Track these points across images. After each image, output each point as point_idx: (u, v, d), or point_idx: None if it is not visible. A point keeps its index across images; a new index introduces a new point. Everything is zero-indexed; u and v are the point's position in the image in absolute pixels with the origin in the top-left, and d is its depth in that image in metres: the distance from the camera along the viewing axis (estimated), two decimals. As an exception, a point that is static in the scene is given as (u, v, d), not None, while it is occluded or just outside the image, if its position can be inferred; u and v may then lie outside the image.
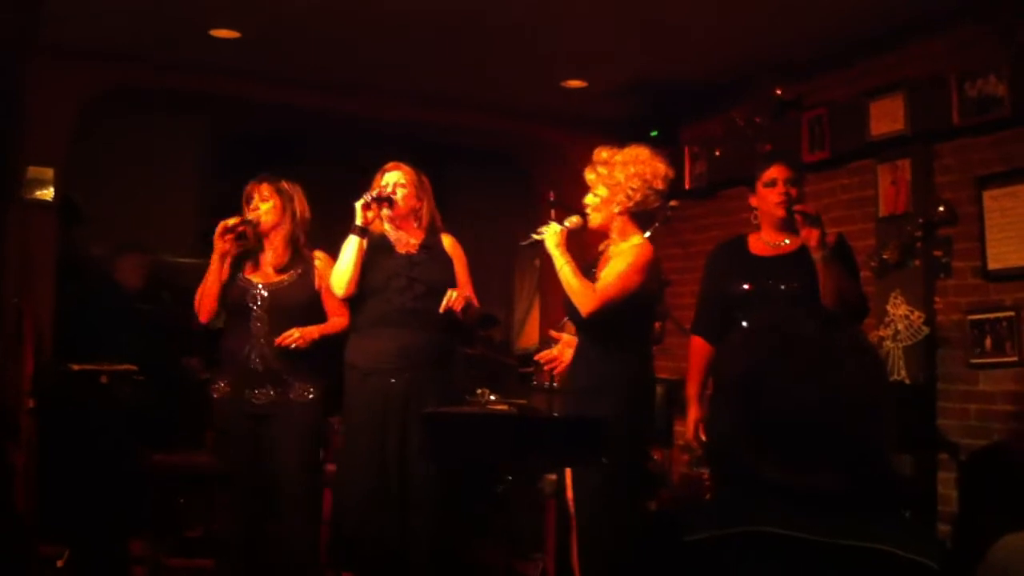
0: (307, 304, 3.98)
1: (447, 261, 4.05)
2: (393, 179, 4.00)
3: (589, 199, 3.55)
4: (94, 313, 5.43)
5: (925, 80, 4.81)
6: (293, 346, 3.84)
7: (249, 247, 4.01)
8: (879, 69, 5.08)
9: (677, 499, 5.07)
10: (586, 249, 3.87)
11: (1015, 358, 4.44)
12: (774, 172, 3.63)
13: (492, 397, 4.72)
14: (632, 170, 3.47)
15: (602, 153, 3.53)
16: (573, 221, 3.58)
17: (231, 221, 3.93)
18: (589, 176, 3.54)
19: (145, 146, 6.99)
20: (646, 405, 3.54)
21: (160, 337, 5.61)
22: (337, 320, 4.00)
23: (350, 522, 3.96)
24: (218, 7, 4.92)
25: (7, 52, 5.23)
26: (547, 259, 3.53)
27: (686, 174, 6.21)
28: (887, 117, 4.97)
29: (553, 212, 4.15)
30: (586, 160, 3.60)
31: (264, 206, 3.97)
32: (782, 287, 3.54)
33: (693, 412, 3.71)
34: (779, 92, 5.55)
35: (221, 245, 3.92)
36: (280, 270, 4.00)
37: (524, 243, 3.63)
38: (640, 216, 3.53)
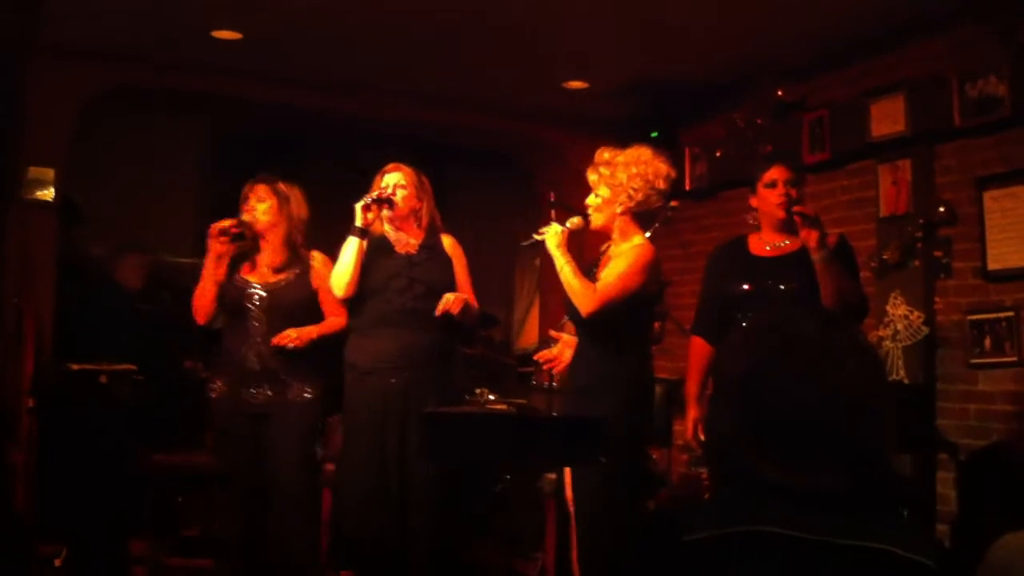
0: (305, 304, 3.99)
1: (447, 261, 4.05)
2: (393, 180, 4.00)
3: (591, 199, 3.55)
4: (94, 313, 5.43)
5: (925, 80, 4.81)
6: (290, 346, 3.85)
7: (246, 248, 4.01)
8: (879, 69, 5.08)
9: (676, 499, 5.07)
10: (587, 249, 3.87)
11: (1015, 358, 4.44)
12: (774, 173, 3.63)
13: (491, 397, 4.73)
14: (634, 170, 3.47)
15: (604, 154, 3.53)
16: (575, 222, 3.57)
17: (224, 223, 3.93)
18: (591, 177, 3.54)
19: (145, 146, 7.00)
20: (645, 405, 3.54)
21: (160, 337, 5.61)
22: (335, 320, 4.01)
23: (350, 522, 3.97)
24: (219, 8, 4.92)
25: (7, 52, 5.23)
26: (547, 259, 3.53)
27: (687, 175, 6.22)
28: (887, 118, 4.96)
29: (553, 212, 4.15)
30: (586, 160, 3.59)
31: (260, 207, 3.98)
32: (782, 287, 3.54)
33: (692, 412, 3.71)
34: (780, 93, 5.55)
35: (215, 246, 3.92)
36: (277, 270, 4.00)
37: (525, 243, 3.64)
38: (642, 216, 3.53)
